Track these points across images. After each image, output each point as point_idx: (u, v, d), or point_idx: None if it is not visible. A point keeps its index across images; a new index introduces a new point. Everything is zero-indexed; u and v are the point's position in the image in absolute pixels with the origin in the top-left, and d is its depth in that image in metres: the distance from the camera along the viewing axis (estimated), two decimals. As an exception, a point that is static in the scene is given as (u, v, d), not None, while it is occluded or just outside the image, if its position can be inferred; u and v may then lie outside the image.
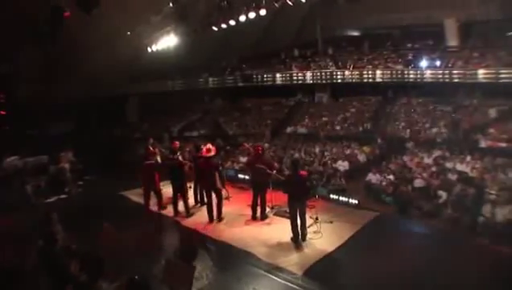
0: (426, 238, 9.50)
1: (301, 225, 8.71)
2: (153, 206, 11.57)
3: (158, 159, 13.45)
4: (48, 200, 12.79)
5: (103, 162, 17.34)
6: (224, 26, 13.80)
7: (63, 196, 13.28)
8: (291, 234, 8.78)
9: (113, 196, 12.81)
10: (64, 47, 16.77)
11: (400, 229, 10.01)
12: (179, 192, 10.73)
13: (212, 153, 10.36)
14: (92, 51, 18.62)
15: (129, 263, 7.17)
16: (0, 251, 8.08)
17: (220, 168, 11.34)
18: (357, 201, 11.24)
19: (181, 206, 10.96)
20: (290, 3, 12.44)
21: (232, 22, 13.48)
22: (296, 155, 16.30)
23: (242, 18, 12.83)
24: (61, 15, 10.67)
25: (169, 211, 11.15)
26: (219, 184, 10.41)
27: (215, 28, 14.03)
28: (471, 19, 20.01)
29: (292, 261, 7.85)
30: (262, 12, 12.34)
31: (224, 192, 10.96)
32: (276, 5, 12.62)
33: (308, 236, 8.84)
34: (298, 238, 8.72)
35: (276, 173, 10.06)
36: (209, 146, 10.53)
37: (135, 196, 12.83)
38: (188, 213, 10.69)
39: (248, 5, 12.47)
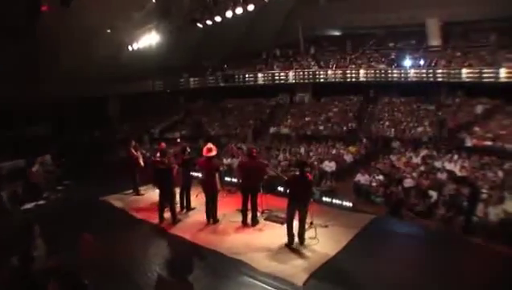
0: (421, 239, 9.10)
1: (299, 230, 8.08)
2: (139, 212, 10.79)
3: (141, 161, 12.78)
4: (25, 207, 11.79)
5: (83, 165, 16.38)
6: (209, 22, 13.05)
7: (41, 202, 12.29)
8: (285, 240, 8.17)
9: (94, 202, 11.89)
10: (41, 45, 15.90)
11: (396, 231, 9.55)
12: (167, 197, 9.91)
13: (214, 153, 9.75)
14: (72, 50, 17.68)
15: (113, 274, 6.55)
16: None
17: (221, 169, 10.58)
18: (351, 204, 10.69)
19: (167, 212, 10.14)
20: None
21: (218, 19, 12.75)
22: (281, 156, 15.75)
23: (229, 13, 12.14)
24: (37, 9, 9.82)
25: (151, 216, 10.26)
26: (219, 186, 9.83)
27: (200, 25, 13.25)
28: (453, 19, 19.94)
29: (291, 270, 7.18)
30: (250, 7, 11.68)
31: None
32: (265, 0, 12.01)
33: (305, 242, 8.21)
34: (293, 242, 8.12)
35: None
36: (210, 145, 9.89)
37: (117, 201, 11.95)
38: (175, 219, 9.92)
39: (235, 0, 11.77)
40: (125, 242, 8.75)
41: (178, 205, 10.46)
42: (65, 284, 4.81)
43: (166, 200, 9.85)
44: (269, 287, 6.69)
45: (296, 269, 7.22)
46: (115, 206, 11.54)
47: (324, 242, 8.31)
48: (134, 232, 9.51)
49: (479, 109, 17.37)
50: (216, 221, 9.78)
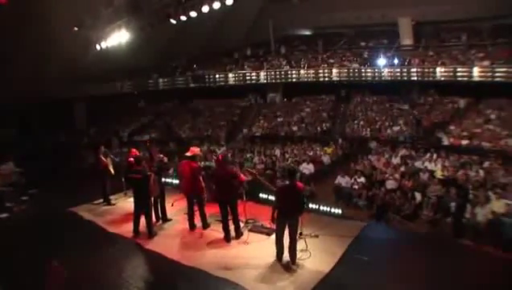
0: (417, 245, 8.50)
1: (290, 248, 7.14)
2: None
3: (111, 169, 11.64)
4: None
5: (48, 172, 14.99)
6: (183, 18, 11.97)
7: (3, 215, 10.95)
8: (274, 252, 7.28)
9: (62, 214, 10.64)
10: (3, 45, 14.51)
11: (390, 239, 8.90)
12: (144, 208, 8.82)
13: (194, 153, 9.08)
14: (35, 49, 16.42)
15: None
16: None
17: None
18: (340, 211, 9.92)
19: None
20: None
21: (193, 14, 11.69)
22: (256, 159, 14.91)
23: (205, 8, 11.13)
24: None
25: (124, 231, 9.17)
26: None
27: (173, 21, 12.15)
28: (424, 19, 19.81)
29: (286, 288, 6.34)
30: (229, 1, 10.72)
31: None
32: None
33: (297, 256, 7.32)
34: (282, 255, 7.22)
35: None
36: (194, 148, 9.33)
37: (86, 212, 10.72)
38: (152, 232, 8.87)
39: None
40: (98, 262, 7.62)
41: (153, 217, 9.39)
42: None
43: (142, 211, 8.77)
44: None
45: (292, 288, 6.35)
46: (84, 219, 10.31)
47: (316, 255, 7.46)
48: (106, 249, 8.32)
49: (461, 103, 17.23)
50: (206, 226, 9.03)
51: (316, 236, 8.32)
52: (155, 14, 12.38)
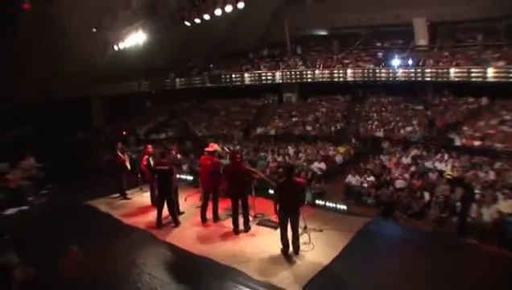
0: (419, 242, 8.77)
1: (293, 239, 7.68)
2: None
3: (128, 164, 12.33)
4: (8, 213, 11.21)
5: (67, 168, 15.84)
6: (197, 20, 12.58)
7: (24, 207, 11.72)
8: (280, 245, 7.80)
9: (80, 207, 11.37)
10: (23, 46, 15.27)
11: (392, 235, 9.22)
12: (168, 197, 9.48)
13: (213, 149, 9.92)
14: (55, 50, 17.16)
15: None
16: None
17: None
18: (345, 207, 10.36)
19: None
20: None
21: (206, 17, 12.30)
22: (269, 157, 15.40)
23: (218, 11, 11.70)
24: (18, 7, 9.35)
25: (139, 222, 9.91)
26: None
27: (187, 23, 12.78)
28: (439, 19, 19.90)
29: (287, 278, 6.82)
30: (240, 5, 11.27)
31: None
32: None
33: (299, 249, 7.83)
34: (288, 249, 7.75)
35: (266, 178, 9.34)
36: (213, 144, 10.16)
37: (103, 205, 11.46)
38: (176, 221, 9.54)
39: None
40: (113, 250, 8.31)
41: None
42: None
43: (166, 200, 9.49)
44: (264, 298, 6.32)
45: (292, 277, 6.84)
46: (101, 211, 11.04)
47: (319, 247, 7.94)
48: (121, 239, 9.01)
49: (484, 101, 17.35)
50: (217, 219, 9.63)
51: (320, 230, 8.78)
52: (170, 17, 13.05)
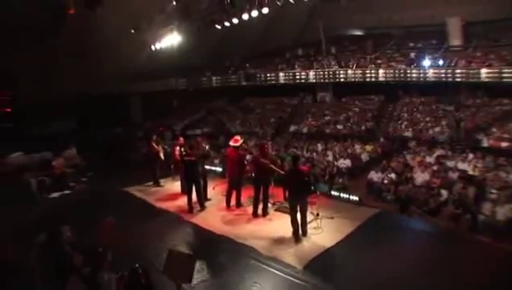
0: (425, 234, 9.55)
1: (301, 222, 8.80)
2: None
3: (162, 155, 13.78)
4: (53, 196, 12.92)
5: (105, 159, 17.54)
6: (226, 24, 13.90)
7: (67, 191, 13.40)
8: (291, 229, 8.89)
9: (117, 192, 12.94)
10: (67, 46, 16.91)
11: (400, 225, 10.04)
12: (196, 185, 10.89)
13: (239, 143, 11.07)
14: (96, 50, 18.79)
15: (131, 255, 7.34)
16: (4, 246, 8.19)
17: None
18: (357, 198, 11.32)
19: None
20: (291, 1, 12.58)
21: (235, 21, 13.59)
22: (298, 153, 16.36)
23: (245, 16, 12.93)
24: (64, 13, 10.79)
25: (170, 206, 11.44)
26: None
27: (218, 26, 14.12)
28: (474, 18, 20.03)
29: (292, 255, 7.97)
30: (265, 10, 12.42)
31: None
32: (279, 3, 12.74)
33: (309, 231, 8.93)
34: (298, 232, 8.82)
35: (277, 168, 10.22)
36: (237, 137, 11.35)
37: (138, 191, 13.03)
38: (202, 206, 10.99)
39: (251, 3, 12.56)
40: (146, 228, 9.72)
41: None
42: (88, 256, 5.63)
43: (193, 187, 10.87)
44: (272, 270, 7.48)
45: (297, 255, 8.00)
46: (136, 196, 12.62)
47: (327, 231, 9.05)
48: (153, 219, 10.51)
49: (497, 110, 17.55)
50: (239, 205, 10.97)
51: (332, 218, 9.83)
52: (202, 20, 14.41)
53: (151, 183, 13.66)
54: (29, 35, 15.26)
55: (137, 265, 4.66)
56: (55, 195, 13.01)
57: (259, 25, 20.95)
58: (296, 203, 8.72)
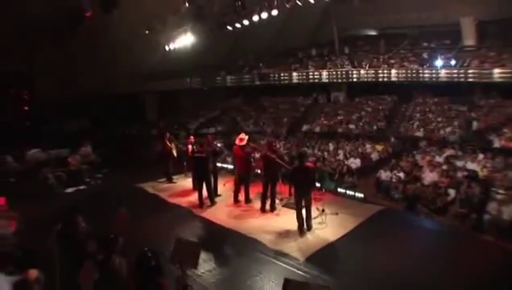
0: (428, 232, 9.90)
1: (306, 217, 9.23)
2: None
3: (175, 152, 14.33)
4: (69, 191, 13.55)
5: (120, 156, 18.15)
6: (238, 25, 14.44)
7: (82, 187, 14.03)
8: (297, 223, 9.29)
9: (130, 188, 13.51)
10: (83, 47, 17.55)
11: (403, 222, 10.36)
12: (206, 180, 11.36)
13: (244, 142, 11.41)
14: (112, 50, 19.36)
15: (142, 243, 7.79)
16: (26, 235, 8.74)
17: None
18: (362, 195, 11.68)
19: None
20: (299, 3, 12.99)
21: (245, 22, 14.11)
22: (309, 152, 16.70)
23: (255, 18, 13.42)
24: (81, 15, 11.32)
25: (181, 201, 11.99)
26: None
27: (230, 28, 14.66)
28: (488, 18, 20.07)
29: (296, 248, 8.39)
30: (274, 12, 12.90)
31: None
32: (287, 6, 13.16)
33: (313, 226, 9.35)
34: (303, 227, 9.23)
35: (284, 164, 10.65)
36: (242, 135, 11.67)
37: (151, 187, 13.63)
38: (212, 201, 11.50)
39: (261, 5, 13.03)
40: (158, 222, 10.23)
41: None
42: (101, 243, 6.11)
43: (203, 182, 11.36)
44: (276, 261, 7.90)
45: (301, 247, 8.42)
46: (149, 192, 13.20)
47: (331, 226, 9.46)
48: (165, 213, 11.07)
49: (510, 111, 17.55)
50: (248, 201, 11.42)
51: (336, 214, 10.22)
52: (215, 22, 14.94)
53: (164, 179, 14.25)
54: (46, 37, 15.87)
55: (146, 248, 5.06)
56: (71, 190, 13.64)
57: (273, 25, 21.34)
58: (302, 198, 9.13)
